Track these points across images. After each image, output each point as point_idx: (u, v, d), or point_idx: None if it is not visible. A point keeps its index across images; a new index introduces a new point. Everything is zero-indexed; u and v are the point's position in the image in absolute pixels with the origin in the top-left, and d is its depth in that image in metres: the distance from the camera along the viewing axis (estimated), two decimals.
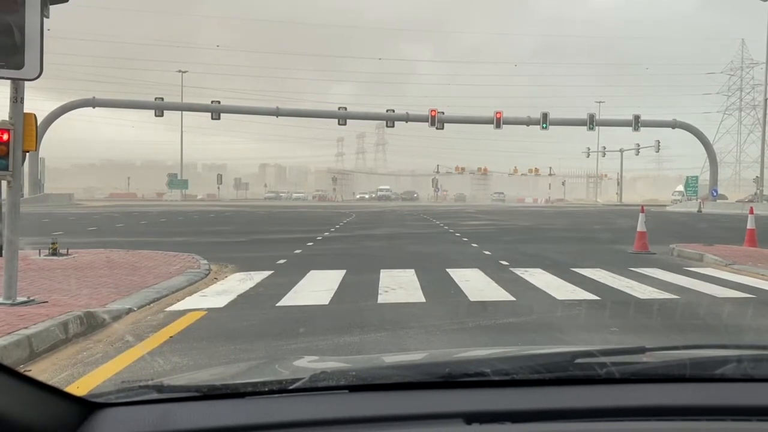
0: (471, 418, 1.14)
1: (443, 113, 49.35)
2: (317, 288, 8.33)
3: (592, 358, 1.38)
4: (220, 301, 7.24)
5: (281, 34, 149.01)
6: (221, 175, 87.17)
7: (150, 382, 1.32)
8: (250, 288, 8.34)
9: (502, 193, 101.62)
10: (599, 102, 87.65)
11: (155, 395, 1.26)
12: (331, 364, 1.69)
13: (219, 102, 48.07)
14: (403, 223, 25.91)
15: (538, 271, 10.47)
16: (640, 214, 14.52)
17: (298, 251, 13.26)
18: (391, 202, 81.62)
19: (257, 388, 1.27)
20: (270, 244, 14.93)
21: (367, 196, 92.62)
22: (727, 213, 42.70)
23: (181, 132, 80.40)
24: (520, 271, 10.33)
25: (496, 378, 1.28)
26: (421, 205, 66.63)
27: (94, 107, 46.87)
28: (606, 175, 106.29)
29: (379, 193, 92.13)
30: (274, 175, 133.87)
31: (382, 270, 10.16)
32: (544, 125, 50.26)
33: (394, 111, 49.31)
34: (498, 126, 49.01)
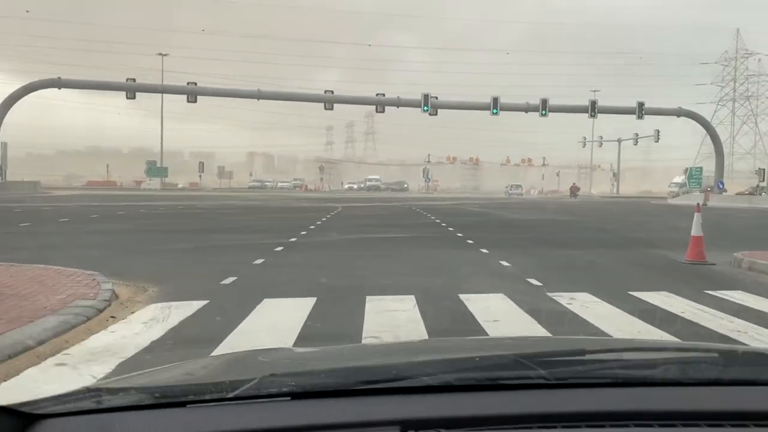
0: (407, 425, 1.16)
1: (436, 98, 46.18)
2: (268, 336, 5.25)
3: (530, 360, 1.37)
4: (79, 380, 4.08)
5: (265, 18, 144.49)
6: (203, 163, 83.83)
7: (89, 390, 1.26)
8: (159, 338, 5.24)
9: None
10: (594, 90, 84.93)
11: (93, 405, 1.21)
12: (285, 360, 1.65)
13: (195, 84, 44.69)
14: (394, 220, 22.71)
15: (586, 296, 7.46)
16: (696, 214, 11.50)
17: (258, 261, 10.11)
18: (380, 192, 78.44)
19: (198, 397, 1.24)
20: (226, 251, 11.79)
21: (355, 186, 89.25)
22: (737, 207, 40.00)
23: (161, 117, 76.97)
24: (561, 298, 7.32)
25: (434, 383, 1.28)
26: (412, 196, 63.38)
27: (59, 88, 43.27)
28: (599, 166, 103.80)
29: (367, 183, 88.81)
30: (261, 164, 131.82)
31: (368, 297, 7.08)
32: (543, 112, 47.26)
33: (384, 95, 46.07)
34: (495, 111, 45.93)
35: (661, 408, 1.23)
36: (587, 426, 1.18)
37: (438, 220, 21.81)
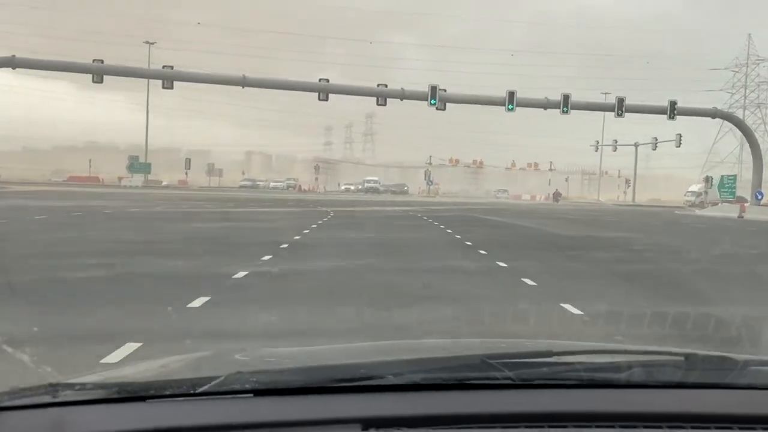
0: (368, 423, 1.15)
1: (445, 91, 40.87)
2: None
3: (496, 360, 1.35)
4: None
5: (263, 14, 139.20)
6: (189, 160, 78.91)
7: (44, 384, 1.24)
8: None
9: (506, 190, 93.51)
10: (605, 93, 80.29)
11: (50, 398, 1.20)
12: (254, 357, 1.62)
13: (172, 67, 39.36)
14: (398, 233, 17.26)
15: None
16: None
17: (122, 352, 4.64)
18: (379, 195, 73.26)
19: (158, 392, 1.22)
20: (116, 300, 6.43)
21: (353, 188, 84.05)
22: None
23: (147, 110, 71.88)
24: None
25: (398, 382, 1.26)
26: (413, 200, 57.89)
27: (14, 68, 37.89)
28: (606, 173, 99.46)
29: (366, 184, 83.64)
30: (259, 163, 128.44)
31: None
32: (564, 109, 42.01)
33: (386, 86, 40.72)
34: (510, 107, 40.67)
35: (624, 410, 1.23)
36: (550, 426, 1.17)
37: (458, 236, 16.36)
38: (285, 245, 12.27)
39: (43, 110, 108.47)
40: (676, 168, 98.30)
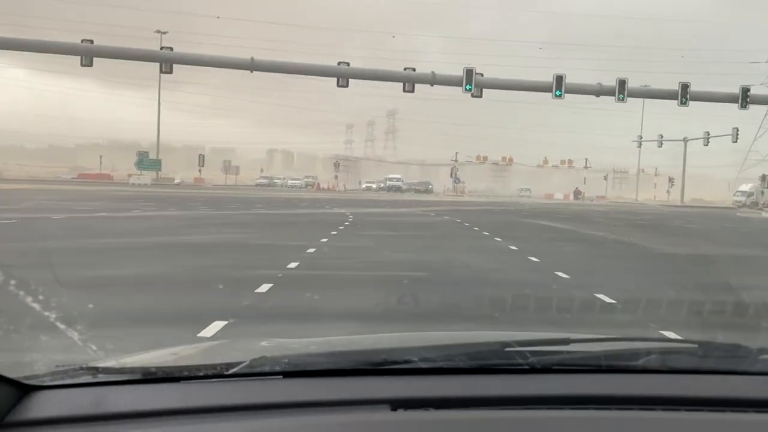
0: (396, 404, 1.17)
1: (482, 75, 35.52)
2: None
3: (517, 347, 1.38)
4: None
5: (280, 7, 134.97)
6: (203, 156, 75.19)
7: (84, 365, 1.28)
8: None
9: (529, 189, 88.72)
10: (644, 86, 74.70)
11: (90, 378, 1.24)
12: (276, 345, 1.65)
13: (171, 49, 34.77)
14: (449, 258, 11.82)
15: None
16: None
17: None
18: (402, 194, 68.13)
19: (192, 373, 1.25)
20: None
21: (374, 186, 78.99)
22: None
23: (159, 103, 67.41)
24: None
25: (424, 366, 1.29)
26: (440, 200, 52.55)
27: None
28: (644, 170, 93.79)
29: (388, 182, 78.41)
30: (281, 161, 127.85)
31: None
32: (621, 96, 36.44)
33: (414, 69, 35.47)
34: (558, 93, 35.22)
35: (642, 393, 1.25)
36: (570, 409, 1.20)
37: (534, 258, 11.07)
38: (264, 288, 7.01)
39: (69, 109, 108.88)
40: (710, 167, 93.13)
